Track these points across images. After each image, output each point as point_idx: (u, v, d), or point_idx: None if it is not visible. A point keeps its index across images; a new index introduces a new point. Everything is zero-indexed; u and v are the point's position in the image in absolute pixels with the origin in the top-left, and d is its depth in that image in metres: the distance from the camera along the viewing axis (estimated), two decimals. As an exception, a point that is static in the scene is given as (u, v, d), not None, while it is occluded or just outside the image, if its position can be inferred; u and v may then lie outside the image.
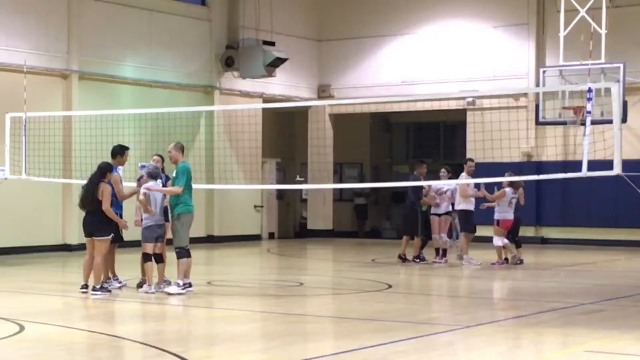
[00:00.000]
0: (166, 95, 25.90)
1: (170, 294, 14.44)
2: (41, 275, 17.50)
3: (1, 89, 22.02)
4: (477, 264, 20.04)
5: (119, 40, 25.09)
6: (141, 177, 15.18)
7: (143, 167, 15.96)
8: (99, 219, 14.50)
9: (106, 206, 14.47)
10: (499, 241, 20.12)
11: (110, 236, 14.71)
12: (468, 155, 27.79)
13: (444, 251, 20.58)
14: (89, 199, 14.49)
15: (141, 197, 14.66)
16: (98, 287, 14.62)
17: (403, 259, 20.55)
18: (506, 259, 20.25)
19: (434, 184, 20.29)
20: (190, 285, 14.77)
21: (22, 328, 11.55)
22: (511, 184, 20.02)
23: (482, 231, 21.39)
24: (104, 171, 14.68)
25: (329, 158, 30.98)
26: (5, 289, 16.07)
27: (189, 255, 14.72)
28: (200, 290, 15.74)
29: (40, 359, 10.02)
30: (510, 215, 20.14)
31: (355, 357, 9.93)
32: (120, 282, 15.43)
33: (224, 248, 26.06)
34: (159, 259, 14.78)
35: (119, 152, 15.57)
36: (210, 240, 27.39)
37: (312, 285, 17.09)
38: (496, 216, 20.14)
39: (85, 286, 14.70)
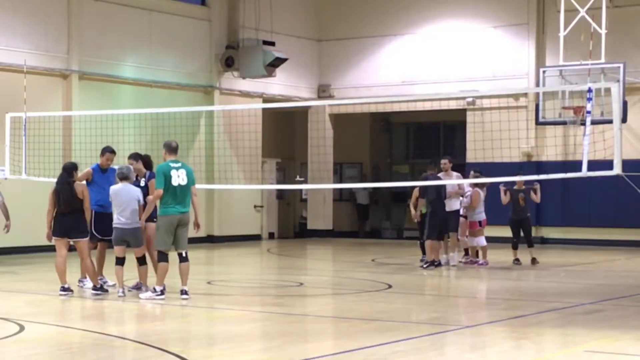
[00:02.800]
0: (166, 95, 25.90)
1: (140, 298, 14.28)
2: (41, 275, 17.48)
3: (1, 89, 22.02)
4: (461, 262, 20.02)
5: (119, 40, 25.09)
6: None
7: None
8: (77, 219, 14.39)
9: (87, 204, 14.43)
10: (483, 241, 20.22)
11: (88, 236, 14.60)
12: (468, 156, 27.89)
13: (467, 250, 20.56)
14: (68, 198, 14.35)
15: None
16: (98, 286, 14.59)
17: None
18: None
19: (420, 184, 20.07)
20: (162, 292, 14.25)
21: (22, 328, 11.56)
22: (477, 184, 20.02)
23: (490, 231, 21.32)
24: (70, 171, 14.58)
25: (329, 158, 30.98)
26: (5, 289, 16.07)
27: (163, 260, 14.27)
28: (200, 290, 15.75)
29: (40, 359, 10.02)
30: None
31: (355, 357, 9.93)
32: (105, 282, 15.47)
33: (224, 248, 26.06)
34: (141, 261, 14.52)
35: (101, 152, 15.66)
36: (210, 240, 27.40)
37: (312, 285, 17.10)
38: (478, 217, 20.11)
39: (64, 288, 14.55)
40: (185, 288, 14.37)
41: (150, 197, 14.51)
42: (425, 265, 19.46)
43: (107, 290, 14.74)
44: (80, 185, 14.56)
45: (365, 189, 32.13)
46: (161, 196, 14.20)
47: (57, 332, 11.68)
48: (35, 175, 19.66)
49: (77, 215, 14.43)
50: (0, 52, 22.51)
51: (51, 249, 22.97)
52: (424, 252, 20.39)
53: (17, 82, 20.99)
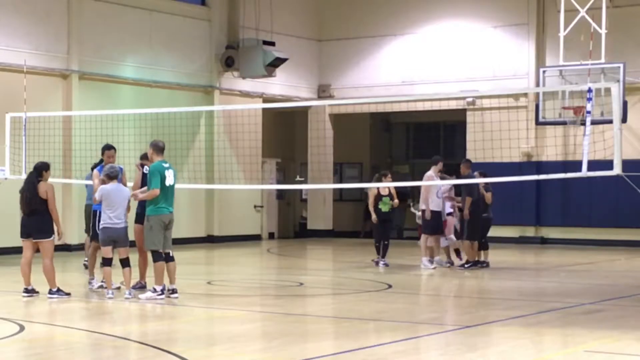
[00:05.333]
0: (166, 95, 25.90)
1: (140, 299, 14.17)
2: (41, 276, 17.47)
3: (1, 89, 22.02)
4: (432, 267, 19.64)
5: (119, 40, 25.09)
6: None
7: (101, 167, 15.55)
8: (40, 219, 14.28)
9: (52, 206, 14.31)
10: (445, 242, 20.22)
11: (53, 237, 14.46)
12: (468, 156, 27.85)
13: (457, 251, 20.43)
14: (29, 199, 14.28)
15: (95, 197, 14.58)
16: (55, 290, 14.40)
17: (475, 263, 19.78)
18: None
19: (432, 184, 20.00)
20: (162, 292, 14.24)
21: (22, 328, 11.56)
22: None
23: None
24: (39, 170, 14.46)
25: (329, 158, 30.98)
26: (5, 289, 16.08)
27: (160, 259, 14.22)
28: (200, 290, 15.76)
29: (40, 359, 10.02)
30: None
31: (355, 357, 9.93)
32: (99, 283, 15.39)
33: (224, 248, 26.06)
34: (125, 263, 14.36)
35: (102, 151, 15.60)
36: (210, 240, 27.40)
37: (312, 285, 17.10)
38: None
39: (27, 290, 14.50)
40: (174, 287, 14.38)
41: (140, 193, 14.47)
42: (467, 266, 19.50)
43: (68, 294, 14.50)
44: (45, 186, 14.34)
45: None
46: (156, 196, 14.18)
47: (57, 332, 11.69)
48: (35, 175, 19.62)
49: (41, 216, 14.29)
50: (0, 52, 22.52)
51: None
52: (378, 252, 20.22)
53: (17, 82, 20.98)
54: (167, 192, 14.32)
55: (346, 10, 30.65)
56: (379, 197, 20.18)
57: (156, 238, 14.23)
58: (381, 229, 20.31)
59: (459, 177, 20.22)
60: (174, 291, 14.35)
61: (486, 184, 19.84)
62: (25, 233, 14.47)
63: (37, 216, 14.30)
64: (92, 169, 16.34)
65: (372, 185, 20.74)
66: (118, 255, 14.45)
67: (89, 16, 24.34)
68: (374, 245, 20.65)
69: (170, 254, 14.44)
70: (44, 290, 14.55)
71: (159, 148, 14.51)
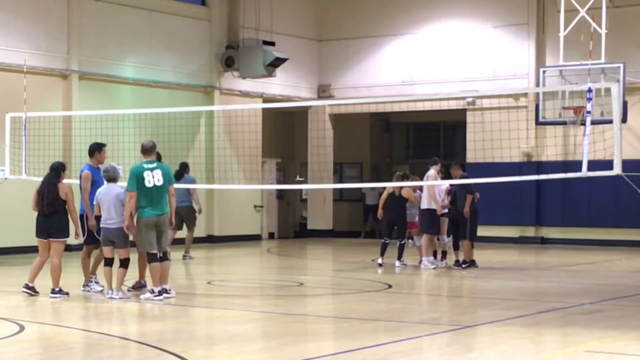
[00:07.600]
0: (166, 95, 25.91)
1: (140, 299, 14.12)
2: (41, 275, 17.48)
3: (1, 89, 22.03)
4: (432, 267, 19.58)
5: (119, 40, 25.10)
6: None
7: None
8: (60, 219, 14.32)
9: (72, 207, 14.38)
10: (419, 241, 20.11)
11: (68, 238, 14.51)
12: (468, 156, 27.89)
13: (444, 253, 20.37)
14: (51, 200, 14.28)
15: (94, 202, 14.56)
16: (57, 289, 14.43)
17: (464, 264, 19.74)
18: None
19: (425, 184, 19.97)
20: (164, 292, 14.13)
21: (22, 328, 11.56)
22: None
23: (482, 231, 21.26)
24: (57, 171, 14.50)
25: (329, 158, 30.98)
26: (5, 289, 16.08)
27: (154, 260, 14.11)
28: (200, 290, 15.75)
29: (40, 359, 10.02)
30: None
31: (355, 357, 9.94)
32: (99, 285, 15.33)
33: (224, 248, 26.05)
34: (122, 263, 14.27)
35: (96, 149, 15.32)
36: (210, 240, 27.40)
37: (312, 285, 17.10)
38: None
39: (27, 287, 14.54)
40: (166, 286, 14.28)
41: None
42: (464, 266, 19.46)
43: (67, 293, 14.52)
44: (65, 187, 14.42)
45: (374, 189, 31.96)
46: (135, 198, 14.01)
47: (57, 332, 11.69)
48: (35, 175, 19.62)
49: (60, 216, 14.34)
50: (0, 52, 22.52)
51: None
52: (382, 253, 20.17)
53: (17, 82, 21.00)
54: (150, 194, 14.05)
55: (346, 10, 30.65)
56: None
57: (146, 240, 14.10)
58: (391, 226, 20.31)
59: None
60: (165, 291, 14.23)
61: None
62: (46, 233, 14.42)
63: (57, 216, 14.34)
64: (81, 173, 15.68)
65: (391, 185, 20.45)
66: (118, 256, 14.43)
67: (89, 16, 24.35)
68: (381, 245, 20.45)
69: (162, 254, 14.28)
70: (43, 291, 14.54)
71: (143, 149, 14.39)
